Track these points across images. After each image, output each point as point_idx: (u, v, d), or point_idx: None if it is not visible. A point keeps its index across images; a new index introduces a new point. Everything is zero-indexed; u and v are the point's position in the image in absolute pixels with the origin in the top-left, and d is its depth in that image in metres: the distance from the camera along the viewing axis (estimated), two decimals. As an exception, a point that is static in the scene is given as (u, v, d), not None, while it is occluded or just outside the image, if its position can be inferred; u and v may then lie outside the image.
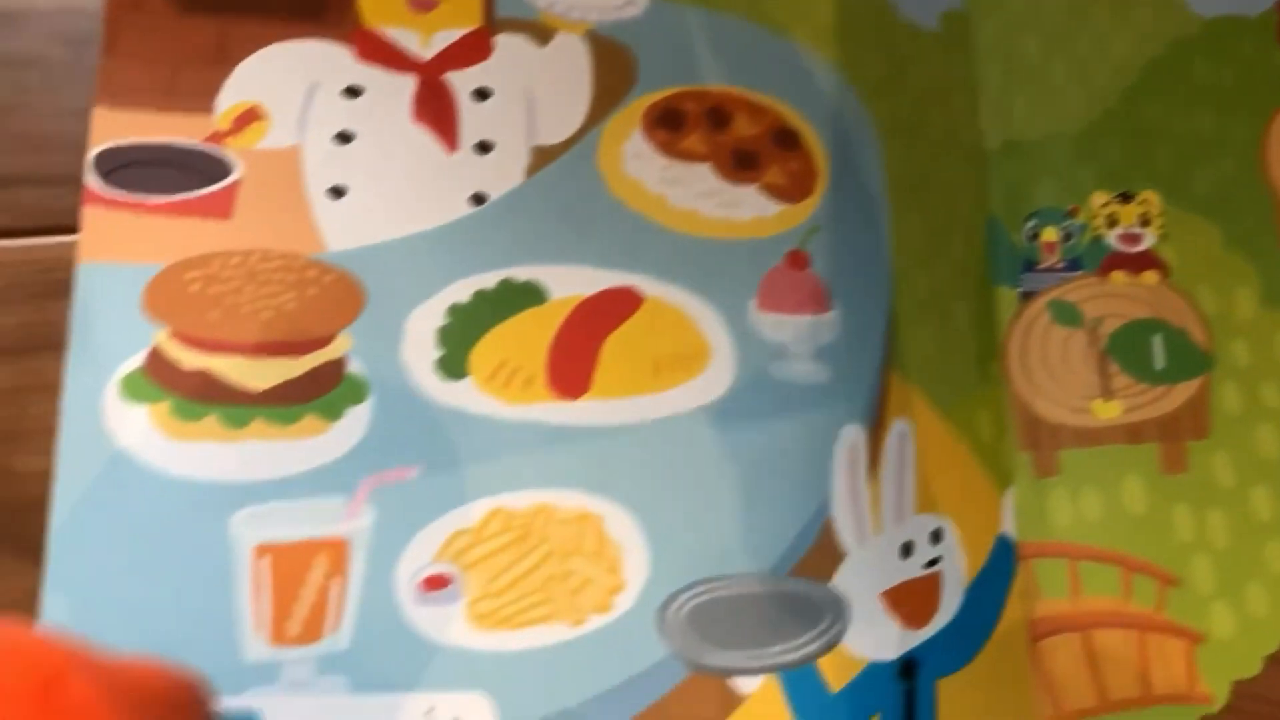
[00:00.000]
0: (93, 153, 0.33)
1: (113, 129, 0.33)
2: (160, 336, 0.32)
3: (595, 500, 0.33)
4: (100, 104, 0.33)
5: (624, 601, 0.33)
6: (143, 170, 0.33)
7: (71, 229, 0.34)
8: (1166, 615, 0.37)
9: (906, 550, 0.36)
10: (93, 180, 0.32)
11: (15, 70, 0.35)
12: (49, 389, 0.32)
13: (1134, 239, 0.41)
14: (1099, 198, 0.41)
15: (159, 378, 0.31)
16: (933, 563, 0.36)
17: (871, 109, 0.40)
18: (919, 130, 0.41)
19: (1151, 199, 0.41)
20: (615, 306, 0.35)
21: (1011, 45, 0.43)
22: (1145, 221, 0.41)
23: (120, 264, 0.32)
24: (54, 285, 0.33)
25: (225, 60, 0.34)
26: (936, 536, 0.36)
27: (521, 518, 0.32)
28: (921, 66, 0.42)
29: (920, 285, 0.39)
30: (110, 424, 0.31)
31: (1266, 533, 0.38)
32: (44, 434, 0.31)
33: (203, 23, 0.35)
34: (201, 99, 0.34)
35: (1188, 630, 0.37)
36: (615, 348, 0.35)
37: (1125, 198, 0.41)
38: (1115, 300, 0.40)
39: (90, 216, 0.32)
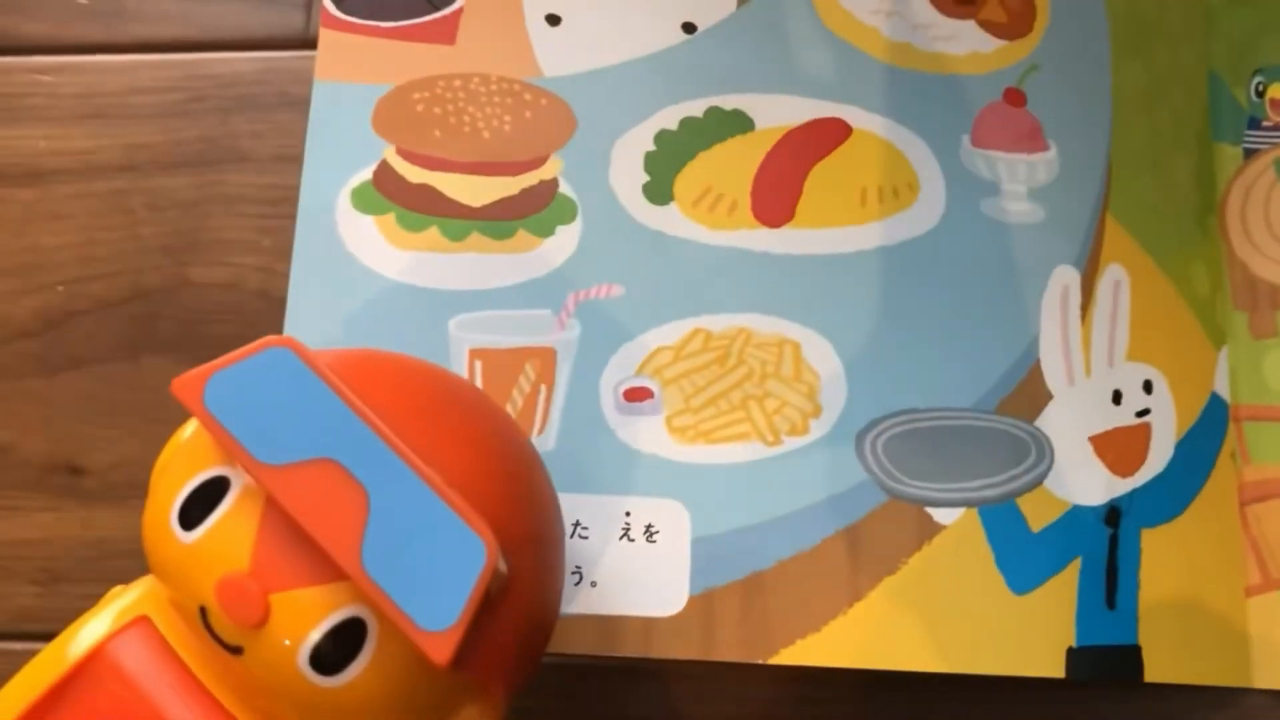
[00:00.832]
0: (328, -21, 0.34)
1: (346, -43, 0.35)
2: (388, 152, 0.33)
3: (795, 327, 0.33)
4: (335, -66, 0.35)
5: (821, 426, 0.33)
6: (373, -4, 0.34)
7: (252, 45, 0.36)
8: (1398, 481, 0.35)
9: (1116, 398, 0.34)
10: (328, 4, 0.34)
11: None
12: (227, 201, 0.34)
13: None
14: None
15: (386, 190, 0.33)
16: (1143, 413, 0.35)
17: None
18: None
19: None
20: (822, 137, 0.35)
21: None
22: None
23: (353, 84, 0.34)
24: (236, 100, 0.35)
25: (451, -108, 0.35)
26: (1148, 387, 0.35)
27: (721, 339, 0.33)
28: None
29: (1139, 133, 0.37)
30: (342, 230, 0.32)
31: None
32: (221, 245, 0.34)
33: None
34: (428, -71, 0.35)
35: None
36: (821, 178, 0.34)
37: None
38: (1353, 157, 0.37)
39: (325, 39, 0.34)
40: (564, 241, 0.33)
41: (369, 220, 0.33)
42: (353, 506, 0.20)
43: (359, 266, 0.32)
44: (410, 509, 0.20)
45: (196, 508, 0.21)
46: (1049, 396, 0.34)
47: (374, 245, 0.32)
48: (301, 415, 0.20)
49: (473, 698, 0.23)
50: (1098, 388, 0.34)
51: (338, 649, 0.21)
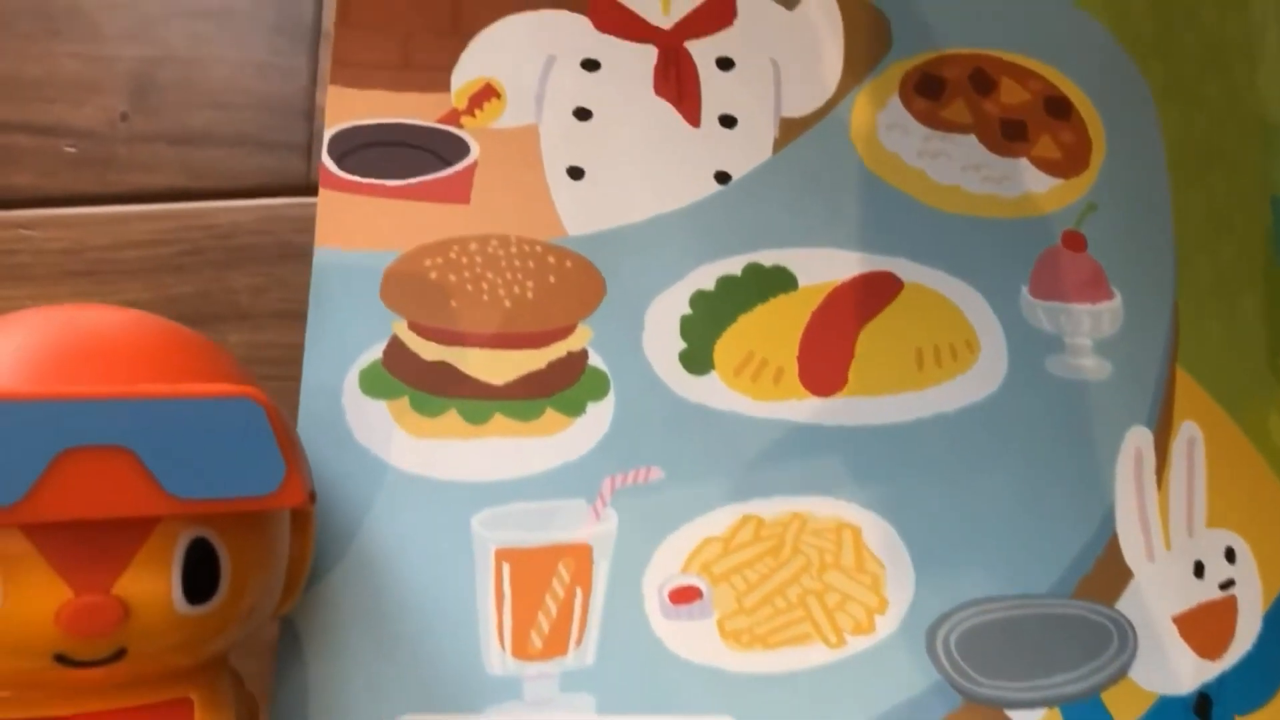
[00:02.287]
0: (328, 134, 0.31)
1: (347, 109, 0.31)
2: (399, 327, 0.30)
3: (853, 509, 0.30)
4: (334, 82, 0.31)
5: (887, 622, 0.29)
6: (378, 151, 0.31)
7: (250, 193, 0.33)
8: None
9: (1198, 570, 0.31)
10: (328, 163, 0.31)
11: (196, 21, 0.34)
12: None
13: None
14: None
15: (397, 371, 0.29)
16: (1227, 584, 0.31)
17: (1147, 72, 0.35)
18: (1197, 97, 0.36)
19: None
20: (872, 293, 0.32)
21: None
22: None
23: (358, 251, 0.30)
24: (233, 253, 0.32)
25: (459, 32, 0.32)
26: (1230, 555, 0.32)
27: (774, 526, 0.29)
28: (1197, 27, 0.36)
29: (1204, 270, 0.34)
30: (350, 418, 0.29)
31: None
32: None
33: (437, -6, 0.32)
34: (436, 75, 0.32)
35: None
36: (872, 338, 0.31)
37: None
38: None
39: (326, 200, 0.30)
40: (597, 420, 0.30)
41: (380, 405, 0.29)
42: (122, 467, 0.20)
43: (371, 459, 0.28)
44: (172, 427, 0.21)
45: None
46: (1129, 575, 0.31)
47: (386, 433, 0.29)
48: (8, 444, 0.20)
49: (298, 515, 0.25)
50: (1179, 561, 0.31)
51: (203, 570, 0.22)
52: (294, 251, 0.32)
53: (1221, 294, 0.34)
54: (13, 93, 0.34)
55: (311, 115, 0.34)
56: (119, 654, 0.22)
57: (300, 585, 0.26)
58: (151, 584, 0.21)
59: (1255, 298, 0.34)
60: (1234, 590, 0.31)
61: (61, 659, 0.21)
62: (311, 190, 0.32)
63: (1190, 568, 0.31)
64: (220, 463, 0.21)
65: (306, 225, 0.32)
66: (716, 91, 0.33)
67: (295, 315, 0.31)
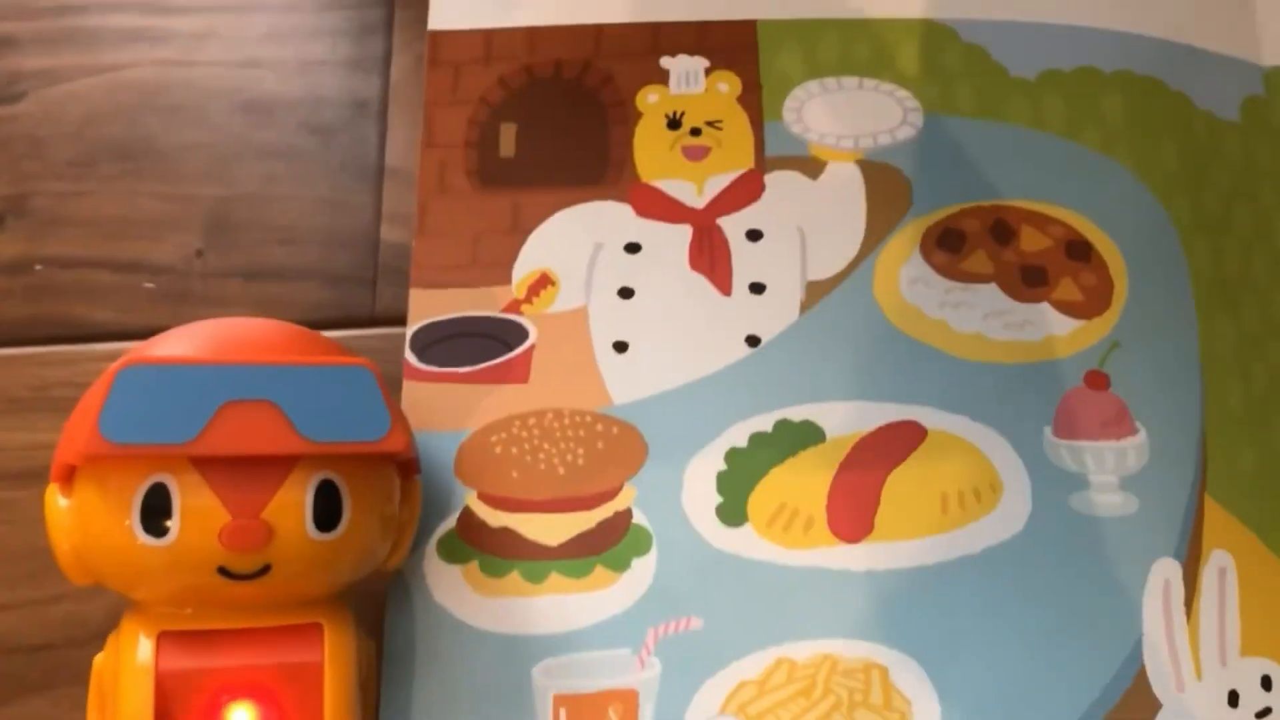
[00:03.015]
0: (409, 332, 0.36)
1: (425, 308, 0.36)
2: (470, 498, 0.34)
3: (881, 649, 0.32)
4: (415, 285, 0.36)
5: (915, 757, 0.31)
6: (451, 343, 0.36)
7: (318, 325, 0.36)
8: None
9: (1233, 699, 0.32)
10: (410, 357, 0.36)
11: (266, 161, 0.39)
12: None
13: None
14: None
15: (469, 538, 0.34)
16: (1264, 713, 0.32)
17: (1171, 209, 0.37)
18: (1225, 228, 0.37)
19: None
20: (897, 442, 0.34)
21: None
22: None
23: (437, 432, 0.35)
24: None
25: (519, 230, 0.37)
26: (1266, 683, 0.32)
27: (806, 668, 0.32)
28: (1223, 160, 0.38)
29: (1234, 399, 0.35)
30: (429, 581, 0.33)
31: None
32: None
33: (499, 196, 0.37)
34: (499, 270, 0.36)
35: None
36: (898, 485, 0.34)
37: None
38: None
39: (409, 390, 0.35)
40: (640, 575, 0.33)
41: (455, 569, 0.33)
42: (269, 416, 0.27)
43: (447, 617, 0.33)
44: (306, 388, 0.27)
45: (152, 518, 0.27)
46: (1158, 706, 0.32)
47: (460, 594, 0.33)
48: (178, 395, 0.26)
49: (397, 474, 0.31)
50: (1211, 691, 0.32)
51: (330, 506, 0.28)
52: None
53: (1254, 421, 0.35)
54: (95, 231, 0.38)
55: (376, 249, 0.38)
56: (265, 569, 0.27)
57: (406, 545, 0.31)
58: (291, 512, 0.27)
59: (1289, 421, 0.35)
60: (1272, 718, 0.32)
61: (223, 571, 0.27)
62: (376, 322, 0.37)
63: (1224, 697, 0.32)
64: (342, 414, 0.27)
65: (372, 355, 0.35)
66: (746, 261, 0.36)
67: None
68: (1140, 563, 0.33)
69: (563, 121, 0.38)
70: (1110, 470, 0.34)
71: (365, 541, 0.29)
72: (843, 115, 0.37)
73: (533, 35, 0.39)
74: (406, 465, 0.31)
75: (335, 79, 0.41)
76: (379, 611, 0.33)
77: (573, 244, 0.37)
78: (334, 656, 0.28)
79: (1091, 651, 0.32)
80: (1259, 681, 0.33)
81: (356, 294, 0.38)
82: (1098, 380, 0.35)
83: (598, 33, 0.39)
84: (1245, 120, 0.39)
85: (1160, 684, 0.32)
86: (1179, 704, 0.32)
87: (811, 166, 0.37)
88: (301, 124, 0.40)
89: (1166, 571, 0.33)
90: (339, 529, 0.28)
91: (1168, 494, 0.34)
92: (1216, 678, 0.32)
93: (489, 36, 0.39)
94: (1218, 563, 0.33)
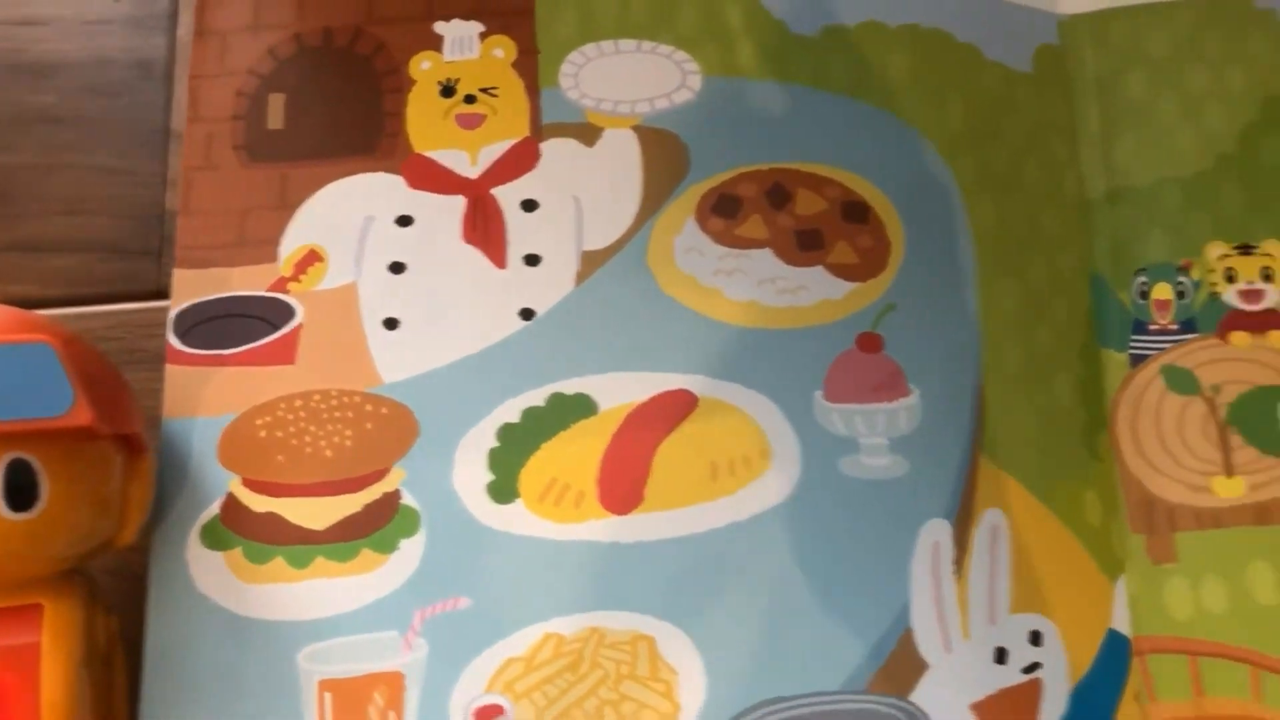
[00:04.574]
0: (172, 314, 0.36)
1: (189, 289, 0.36)
2: (234, 484, 0.34)
3: (648, 620, 0.33)
4: (179, 265, 0.36)
5: (680, 726, 0.32)
6: (216, 324, 0.35)
7: (102, 299, 0.37)
8: (1310, 720, 0.33)
9: (1000, 656, 0.33)
10: (173, 340, 0.35)
11: (47, 126, 0.39)
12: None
13: (1256, 295, 0.37)
14: (1215, 249, 0.37)
15: (232, 524, 0.34)
16: (1031, 668, 0.33)
17: (956, 168, 0.37)
18: (1013, 184, 0.38)
19: (1274, 250, 0.37)
20: (667, 411, 0.35)
21: (1114, 82, 0.39)
22: (1268, 275, 0.37)
23: (200, 418, 0.35)
24: None
25: (287, 205, 0.37)
26: (1035, 638, 0.34)
27: (573, 643, 0.33)
28: (1015, 113, 0.38)
29: (1015, 357, 0.36)
30: (192, 570, 0.33)
31: None
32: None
33: (267, 170, 0.37)
34: (267, 247, 0.36)
35: (1335, 737, 0.33)
36: (669, 455, 0.34)
37: (1245, 249, 0.38)
38: (1236, 364, 0.37)
39: (172, 375, 0.35)
40: (408, 556, 0.34)
41: (218, 557, 0.33)
42: None
43: (210, 605, 0.33)
44: None
45: None
46: (925, 667, 0.33)
47: (224, 582, 0.33)
48: None
49: (119, 450, 0.31)
50: (978, 649, 0.33)
51: (22, 485, 0.28)
52: (146, 356, 0.37)
53: (1034, 380, 0.36)
54: None
55: (162, 220, 0.38)
56: None
57: (136, 522, 0.32)
58: None
59: (1072, 379, 0.36)
60: (1039, 673, 0.33)
61: None
62: (162, 295, 0.37)
63: (991, 655, 0.33)
64: (22, 392, 0.28)
65: (157, 330, 0.36)
66: (521, 233, 0.36)
67: (149, 421, 0.34)
68: (910, 524, 0.34)
69: (333, 91, 0.38)
70: (881, 432, 0.35)
71: (73, 520, 0.29)
72: (620, 80, 0.38)
73: (302, 2, 0.38)
74: (132, 442, 0.31)
75: (118, 38, 0.41)
76: (139, 590, 0.33)
77: (342, 218, 0.37)
78: (54, 637, 0.29)
79: (859, 614, 0.33)
80: (1028, 637, 0.34)
81: (142, 266, 0.38)
82: (871, 343, 0.36)
83: (370, -3, 0.38)
84: (1038, 71, 0.39)
85: (927, 645, 0.33)
86: (946, 664, 0.33)
87: (588, 133, 0.37)
88: (84, 86, 0.40)
89: (936, 532, 0.34)
90: (36, 508, 0.28)
91: (940, 455, 0.35)
92: (985, 636, 0.34)
93: (257, 4, 0.39)
94: (990, 521, 0.34)
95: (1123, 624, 0.35)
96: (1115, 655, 0.34)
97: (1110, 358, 0.37)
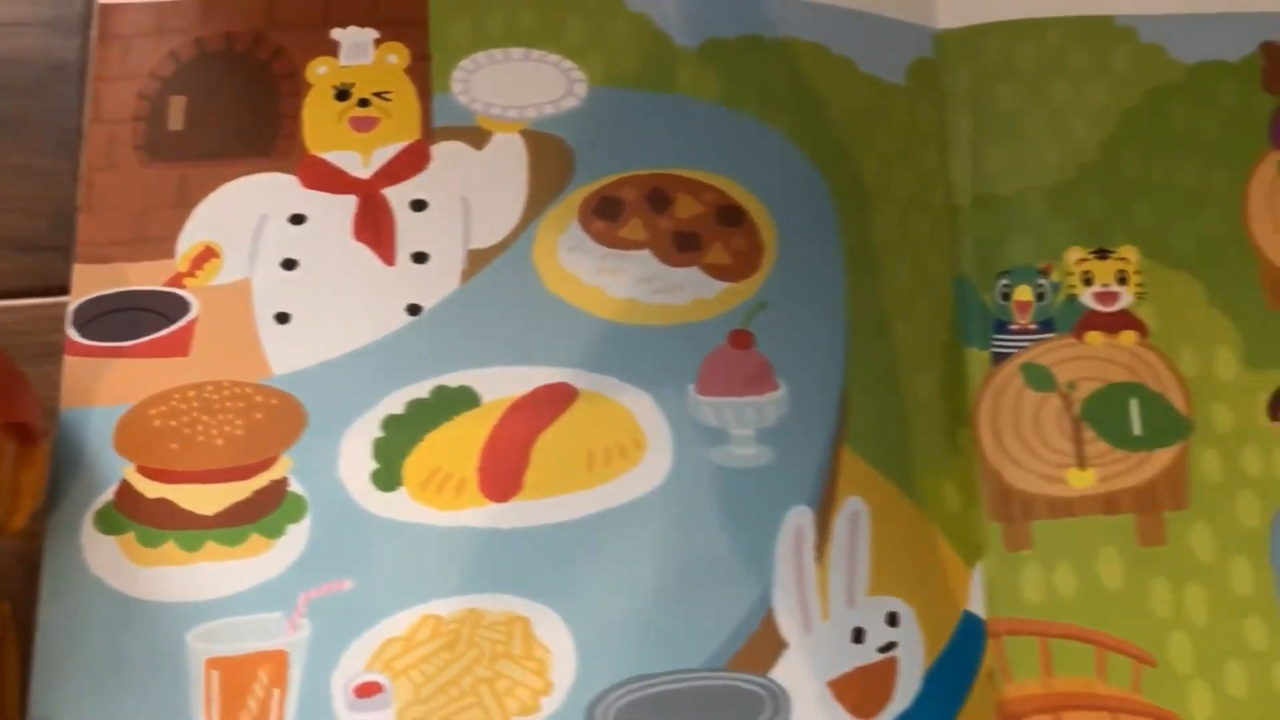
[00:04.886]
0: (71, 307, 0.37)
1: (89, 283, 0.37)
2: (129, 471, 0.36)
3: (524, 602, 0.35)
4: (79, 260, 0.38)
5: (551, 702, 0.34)
6: (114, 317, 0.37)
7: (9, 294, 0.38)
8: (1142, 696, 0.36)
9: (858, 636, 0.36)
10: (71, 332, 0.37)
11: None
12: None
13: (1110, 297, 0.39)
14: (1074, 254, 0.40)
15: (126, 510, 0.36)
16: (887, 648, 0.36)
17: (829, 176, 0.40)
18: (884, 191, 0.40)
19: (1129, 255, 0.40)
20: (547, 404, 0.37)
21: (984, 95, 0.42)
22: (1122, 279, 0.40)
23: (97, 407, 0.36)
24: None
25: (185, 204, 0.39)
26: (892, 620, 0.36)
27: (451, 623, 0.35)
28: (888, 123, 0.41)
29: (879, 355, 0.38)
30: (86, 554, 0.35)
31: (1247, 608, 0.37)
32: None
33: (166, 170, 0.39)
34: (164, 244, 0.38)
35: (1163, 712, 0.36)
36: (547, 446, 0.36)
37: (1101, 254, 0.40)
38: (1090, 363, 0.39)
39: (71, 366, 0.37)
40: (294, 540, 0.35)
41: (112, 541, 0.35)
42: None
43: (105, 589, 0.35)
44: None
45: None
46: (783, 645, 0.35)
47: (117, 565, 0.35)
48: None
49: (11, 439, 0.32)
50: (836, 629, 0.36)
51: None
52: (53, 349, 0.38)
53: (897, 376, 0.38)
54: None
55: (73, 218, 0.39)
56: None
57: (26, 509, 0.33)
58: None
59: (935, 376, 0.39)
60: (894, 652, 0.36)
61: None
62: (69, 290, 0.38)
63: (848, 635, 0.36)
64: None
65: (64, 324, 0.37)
66: (410, 231, 0.38)
67: (54, 414, 0.36)
68: (774, 511, 0.36)
69: (232, 94, 0.39)
70: (750, 424, 0.37)
71: None
72: (509, 86, 0.40)
73: (204, 7, 0.40)
74: (24, 430, 0.33)
75: (34, 39, 0.42)
76: (31, 575, 0.35)
77: (238, 216, 0.38)
78: None
79: (723, 596, 0.35)
80: (884, 618, 0.36)
81: (53, 262, 0.39)
82: (742, 339, 0.38)
83: (270, 4, 0.40)
84: (912, 83, 0.42)
85: (787, 625, 0.36)
86: (805, 643, 0.35)
87: (477, 137, 0.39)
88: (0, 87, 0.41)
89: (799, 519, 0.36)
90: None
91: (805, 446, 0.37)
92: (843, 617, 0.36)
93: (160, 9, 0.40)
94: (851, 508, 0.37)
95: (978, 607, 0.37)
96: (970, 636, 0.37)
97: (974, 356, 0.40)
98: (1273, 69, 0.41)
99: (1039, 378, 0.39)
